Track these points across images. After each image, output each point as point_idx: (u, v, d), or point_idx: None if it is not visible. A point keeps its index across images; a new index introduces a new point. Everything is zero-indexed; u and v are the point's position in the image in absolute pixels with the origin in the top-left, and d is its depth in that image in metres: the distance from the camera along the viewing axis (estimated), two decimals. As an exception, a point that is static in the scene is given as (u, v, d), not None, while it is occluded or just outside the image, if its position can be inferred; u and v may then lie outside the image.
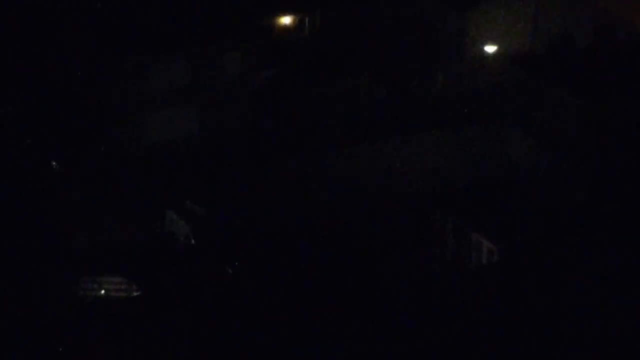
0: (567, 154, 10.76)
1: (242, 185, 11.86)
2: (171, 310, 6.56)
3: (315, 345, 6.67)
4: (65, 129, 12.78)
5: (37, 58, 14.22)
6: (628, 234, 9.02)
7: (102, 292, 6.90)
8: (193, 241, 9.94)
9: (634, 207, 9.70)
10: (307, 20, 15.72)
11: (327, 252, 9.21)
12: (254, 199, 11.43)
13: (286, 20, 15.33)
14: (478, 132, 12.72)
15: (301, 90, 15.08)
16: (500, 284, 7.15)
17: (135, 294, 7.08)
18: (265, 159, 12.42)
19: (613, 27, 14.16)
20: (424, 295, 7.28)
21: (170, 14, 14.43)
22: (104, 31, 14.17)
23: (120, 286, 7.31)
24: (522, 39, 15.44)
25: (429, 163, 12.39)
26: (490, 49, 15.44)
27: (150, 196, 11.08)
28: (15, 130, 12.20)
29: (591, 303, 7.79)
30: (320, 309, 7.21)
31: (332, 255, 9.15)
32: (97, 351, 5.86)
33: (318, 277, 8.45)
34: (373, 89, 15.11)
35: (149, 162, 12.46)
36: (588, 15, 14.39)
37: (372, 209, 10.91)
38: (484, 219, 9.01)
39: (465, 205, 9.45)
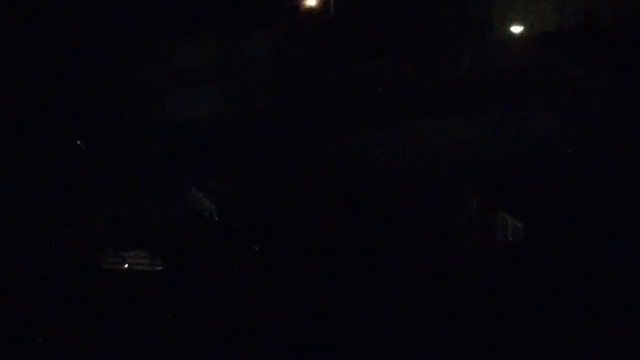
0: (592, 133, 10.68)
1: (266, 163, 11.85)
2: (193, 285, 6.57)
3: (342, 320, 6.66)
4: (92, 108, 12.79)
5: (63, 37, 14.22)
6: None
7: (126, 265, 6.91)
8: (216, 218, 9.94)
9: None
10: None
11: (352, 231, 9.18)
12: (278, 178, 11.41)
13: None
14: (505, 112, 12.63)
15: (327, 71, 15.02)
16: (525, 261, 7.11)
17: (158, 268, 7.09)
18: (290, 138, 12.38)
19: (638, 6, 14.03)
20: (451, 272, 7.26)
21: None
22: (132, 9, 14.16)
23: (144, 260, 7.33)
24: (548, 19, 15.32)
25: (455, 143, 12.29)
26: (516, 29, 15.32)
27: (175, 174, 11.11)
28: (42, 109, 12.21)
29: (618, 282, 7.74)
30: (345, 285, 7.19)
31: (356, 233, 9.13)
32: (119, 323, 5.89)
33: (343, 255, 8.43)
34: (400, 70, 15.02)
35: (174, 140, 12.46)
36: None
37: (397, 188, 10.84)
38: (510, 197, 8.97)
39: (492, 184, 9.44)
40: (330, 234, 9.01)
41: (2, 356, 6.08)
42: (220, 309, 6.87)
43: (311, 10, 15.24)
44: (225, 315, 6.86)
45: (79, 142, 11.72)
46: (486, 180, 9.45)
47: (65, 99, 12.77)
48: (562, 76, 11.87)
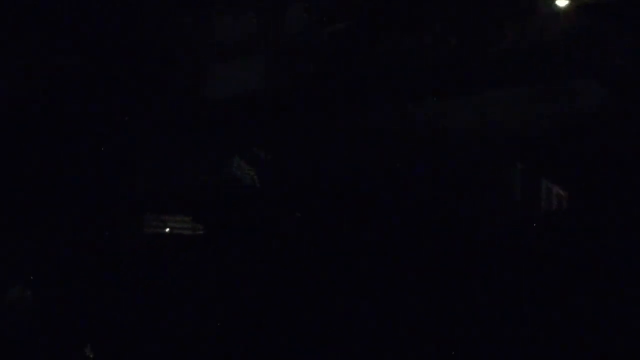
0: (638, 102, 10.56)
1: (307, 134, 11.92)
2: (233, 250, 6.63)
3: (389, 290, 6.67)
4: (133, 79, 12.89)
5: (102, 9, 14.29)
6: None
7: (167, 229, 7.01)
8: (257, 185, 10.09)
9: None
10: (373, -26, 15.55)
11: (395, 201, 9.20)
12: (318, 149, 11.48)
13: (353, -26, 15.18)
14: (550, 82, 12.52)
15: (366, 46, 15.00)
16: (569, 229, 7.07)
17: (199, 232, 7.16)
18: (327, 112, 12.39)
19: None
20: (496, 241, 7.25)
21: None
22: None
23: (185, 225, 7.40)
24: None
25: (501, 115, 12.21)
26: (561, 1, 15.06)
27: (217, 143, 11.23)
28: (83, 79, 12.31)
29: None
30: (392, 256, 7.21)
31: (400, 204, 9.13)
32: (159, 285, 5.96)
33: (387, 225, 8.45)
34: (441, 44, 14.95)
35: (217, 112, 12.55)
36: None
37: (439, 161, 10.83)
38: (554, 166, 8.92)
39: (536, 153, 9.39)
40: (372, 205, 9.03)
41: (47, 314, 6.22)
42: (259, 274, 6.92)
43: (354, -19, 15.17)
44: (264, 281, 6.90)
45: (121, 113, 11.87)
46: (530, 149, 9.42)
47: (106, 70, 12.90)
48: (610, 47, 11.72)
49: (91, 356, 4.58)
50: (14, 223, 6.90)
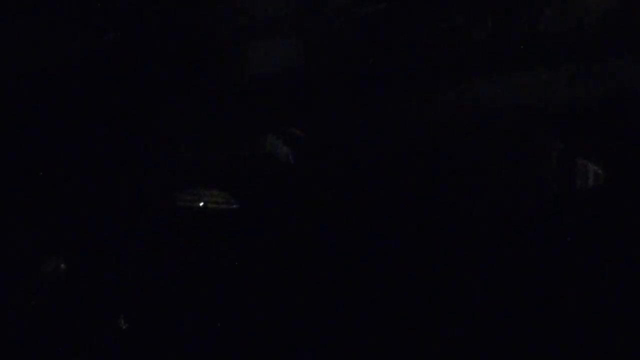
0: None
1: (343, 113, 11.86)
2: (266, 224, 6.64)
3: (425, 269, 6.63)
4: (169, 57, 12.90)
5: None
6: None
7: (201, 203, 7.05)
8: (292, 162, 10.07)
9: None
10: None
11: (432, 177, 9.14)
12: (354, 128, 11.43)
13: (392, -47, 15.05)
14: (587, 62, 12.36)
15: (404, 26, 14.88)
16: (605, 206, 7.01)
17: (233, 206, 7.18)
18: (364, 91, 12.32)
19: None
20: (532, 219, 7.20)
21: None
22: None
23: (219, 199, 7.44)
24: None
25: (538, 93, 12.07)
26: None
27: (253, 120, 11.22)
28: (120, 58, 12.32)
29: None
30: (428, 230, 7.18)
31: (438, 179, 9.09)
32: (192, 257, 5.99)
33: (422, 197, 8.41)
34: (476, 26, 14.78)
35: (253, 89, 12.52)
36: None
37: (475, 140, 10.74)
38: (590, 144, 8.84)
39: (571, 131, 9.30)
40: (409, 181, 8.99)
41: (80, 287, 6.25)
42: (288, 246, 6.91)
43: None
44: (294, 253, 6.87)
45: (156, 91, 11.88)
46: (568, 128, 9.34)
47: (144, 48, 12.92)
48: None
49: (124, 327, 4.63)
50: (51, 193, 6.97)
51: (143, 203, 6.89)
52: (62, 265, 5.46)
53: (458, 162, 9.46)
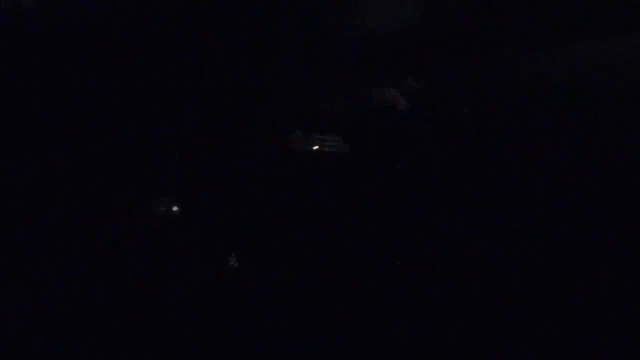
0: None
1: (456, 68, 11.80)
2: (375, 169, 6.71)
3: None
4: (295, 13, 13.01)
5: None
6: None
7: (314, 147, 7.16)
8: (408, 114, 10.11)
9: None
10: None
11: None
12: (469, 83, 11.39)
13: None
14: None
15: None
16: None
17: (344, 151, 7.27)
18: (479, 49, 12.21)
19: None
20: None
21: None
22: None
23: (331, 143, 7.54)
24: None
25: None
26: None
27: (370, 72, 11.26)
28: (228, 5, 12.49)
29: None
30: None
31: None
32: (300, 197, 6.07)
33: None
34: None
35: (371, 43, 12.56)
36: None
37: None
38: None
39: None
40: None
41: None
42: (400, 190, 6.93)
43: None
44: (406, 196, 6.89)
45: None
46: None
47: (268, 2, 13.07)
48: None
49: (235, 265, 4.78)
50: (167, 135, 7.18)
51: (259, 147, 7.01)
52: (174, 207, 5.61)
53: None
